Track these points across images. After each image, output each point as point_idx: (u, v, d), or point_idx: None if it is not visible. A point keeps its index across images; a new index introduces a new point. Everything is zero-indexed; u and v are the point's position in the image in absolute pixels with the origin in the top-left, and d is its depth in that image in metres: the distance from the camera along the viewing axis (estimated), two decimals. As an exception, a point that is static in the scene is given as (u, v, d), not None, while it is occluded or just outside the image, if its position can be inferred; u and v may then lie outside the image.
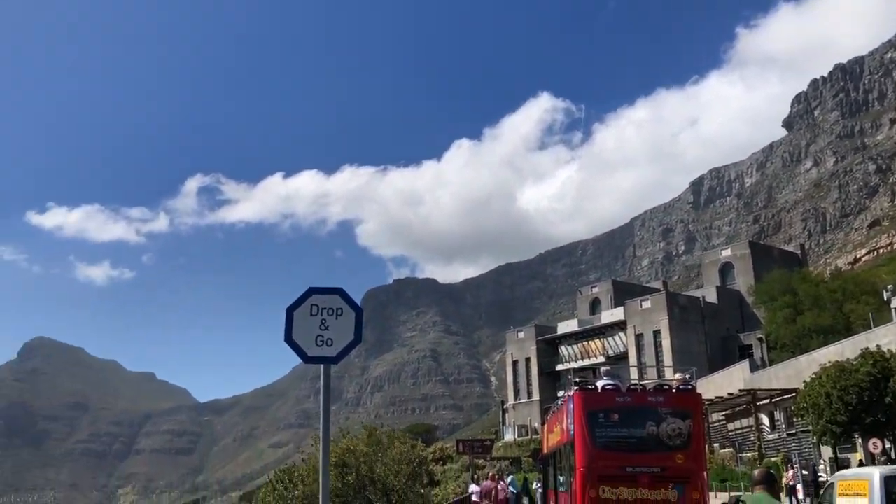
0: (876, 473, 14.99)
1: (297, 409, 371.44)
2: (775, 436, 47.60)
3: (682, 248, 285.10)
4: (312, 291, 6.14)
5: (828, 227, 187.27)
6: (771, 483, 5.97)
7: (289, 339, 6.01)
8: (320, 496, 5.89)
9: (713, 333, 71.69)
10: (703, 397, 49.44)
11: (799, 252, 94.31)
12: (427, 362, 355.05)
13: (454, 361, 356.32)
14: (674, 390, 17.41)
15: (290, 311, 6.06)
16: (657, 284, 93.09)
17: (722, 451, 48.21)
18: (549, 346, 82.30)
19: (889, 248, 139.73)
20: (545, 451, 28.11)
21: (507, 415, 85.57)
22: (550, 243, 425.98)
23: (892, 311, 45.22)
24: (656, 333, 70.28)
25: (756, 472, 6.44)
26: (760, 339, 64.68)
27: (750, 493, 6.32)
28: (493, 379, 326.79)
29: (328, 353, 6.02)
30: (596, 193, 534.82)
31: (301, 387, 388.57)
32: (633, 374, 51.40)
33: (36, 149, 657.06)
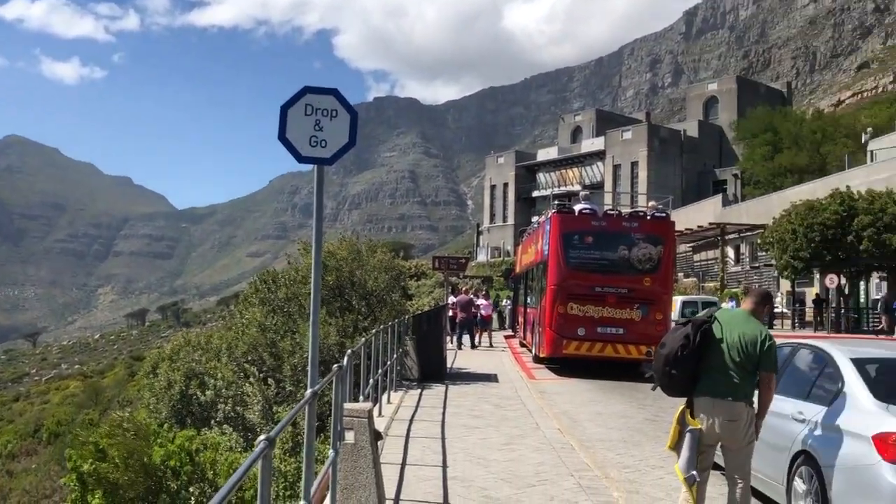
0: (679, 299, 26.79)
1: (275, 222, 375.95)
2: (738, 268, 49.42)
3: (669, 80, 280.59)
4: (307, 90, 6.09)
5: (817, 67, 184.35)
6: (761, 303, 5.85)
7: (282, 138, 6.03)
8: (312, 289, 6.18)
9: (690, 167, 72.26)
10: (675, 229, 50.53)
11: (785, 90, 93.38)
12: (405, 183, 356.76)
13: (433, 183, 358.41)
14: (648, 217, 17.90)
15: (285, 109, 6.04)
16: (640, 116, 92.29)
17: (685, 280, 50.13)
18: (528, 173, 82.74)
19: (874, 91, 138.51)
20: (517, 270, 29.19)
21: (481, 237, 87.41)
22: (536, 68, 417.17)
23: (868, 153, 45.67)
24: (634, 164, 70.71)
25: (756, 289, 6.34)
26: (736, 176, 65.43)
27: (729, 307, 6.58)
28: (469, 202, 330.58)
29: (322, 153, 6.07)
30: (587, 16, 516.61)
31: (279, 199, 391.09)
32: (608, 200, 52.36)
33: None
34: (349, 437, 6.02)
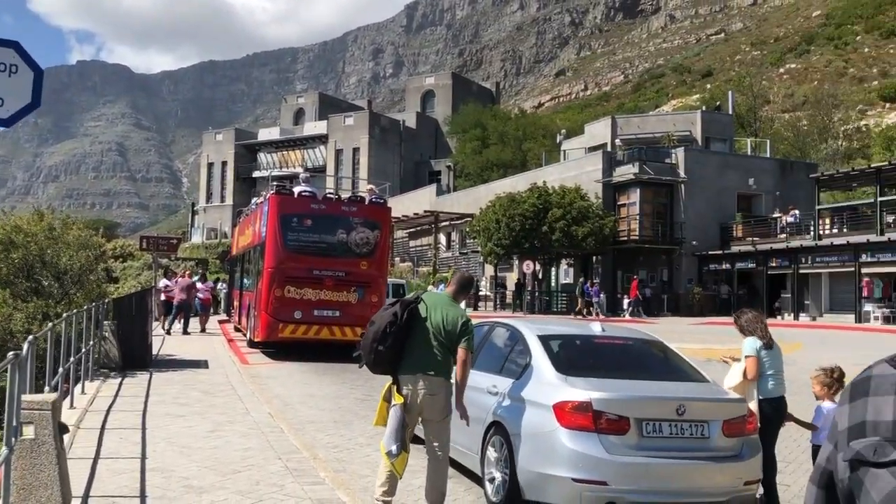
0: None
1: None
2: (449, 254, 52.42)
3: (391, 70, 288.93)
4: (-19, 39, 5.31)
5: (522, 71, 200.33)
6: (463, 289, 6.34)
7: (-53, 92, 5.20)
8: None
9: (409, 157, 75.05)
10: (393, 216, 52.12)
11: (494, 90, 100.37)
12: (112, 156, 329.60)
13: (144, 158, 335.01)
14: (366, 202, 18.24)
15: (-49, 58, 5.22)
16: (362, 103, 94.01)
17: (402, 264, 52.09)
18: (249, 152, 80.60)
19: (569, 96, 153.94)
20: (234, 252, 28.27)
21: (197, 217, 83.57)
22: (259, 45, 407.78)
23: (562, 152, 50.68)
24: (356, 150, 71.88)
25: (458, 274, 6.74)
26: (449, 167, 69.20)
27: (435, 290, 6.89)
28: (185, 181, 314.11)
29: (-2, 113, 5.34)
30: None
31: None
32: (330, 183, 52.67)
33: None
34: (28, 431, 5.40)
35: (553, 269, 42.72)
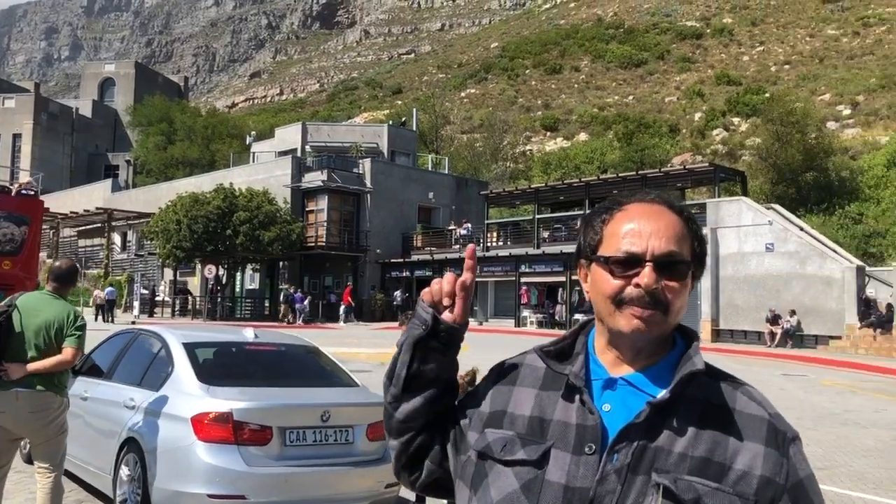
0: None
1: None
2: (125, 256, 48.68)
3: (67, 53, 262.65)
4: None
5: (216, 68, 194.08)
6: (63, 280, 5.32)
7: None
8: None
9: (82, 148, 68.64)
10: (60, 211, 46.98)
11: (183, 85, 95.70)
12: None
13: None
14: (13, 194, 16.16)
15: None
16: (29, 85, 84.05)
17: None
18: None
19: (264, 99, 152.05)
20: None
21: None
22: None
23: (252, 154, 49.66)
24: (17, 137, 64.06)
25: (54, 265, 5.53)
26: (129, 162, 64.40)
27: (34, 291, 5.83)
28: None
29: None
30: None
31: None
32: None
33: None
34: None
35: (238, 273, 41.61)
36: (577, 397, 1.34)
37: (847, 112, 59.46)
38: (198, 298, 40.23)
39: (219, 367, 6.30)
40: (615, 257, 1.33)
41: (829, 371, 20.37)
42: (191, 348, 6.24)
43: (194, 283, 42.32)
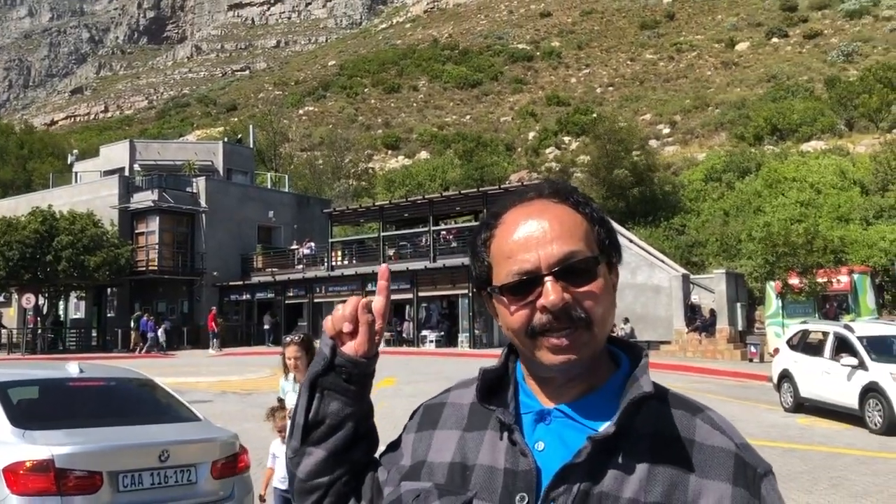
0: None
1: None
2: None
3: None
4: None
5: (31, 83, 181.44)
6: None
7: None
8: None
9: None
10: None
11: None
12: None
13: None
14: None
15: None
16: None
17: None
18: None
19: (87, 117, 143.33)
20: None
21: None
22: None
23: (74, 174, 46.33)
24: None
25: None
26: (-70, 184, 58.44)
27: None
28: None
29: None
30: None
31: None
32: None
33: None
34: None
35: (62, 302, 38.55)
36: (506, 436, 1.09)
37: (667, 131, 63.86)
38: (14, 331, 36.91)
39: (37, 407, 5.59)
40: (507, 285, 1.08)
41: (663, 375, 21.44)
42: (2, 388, 5.48)
43: (10, 315, 38.82)
